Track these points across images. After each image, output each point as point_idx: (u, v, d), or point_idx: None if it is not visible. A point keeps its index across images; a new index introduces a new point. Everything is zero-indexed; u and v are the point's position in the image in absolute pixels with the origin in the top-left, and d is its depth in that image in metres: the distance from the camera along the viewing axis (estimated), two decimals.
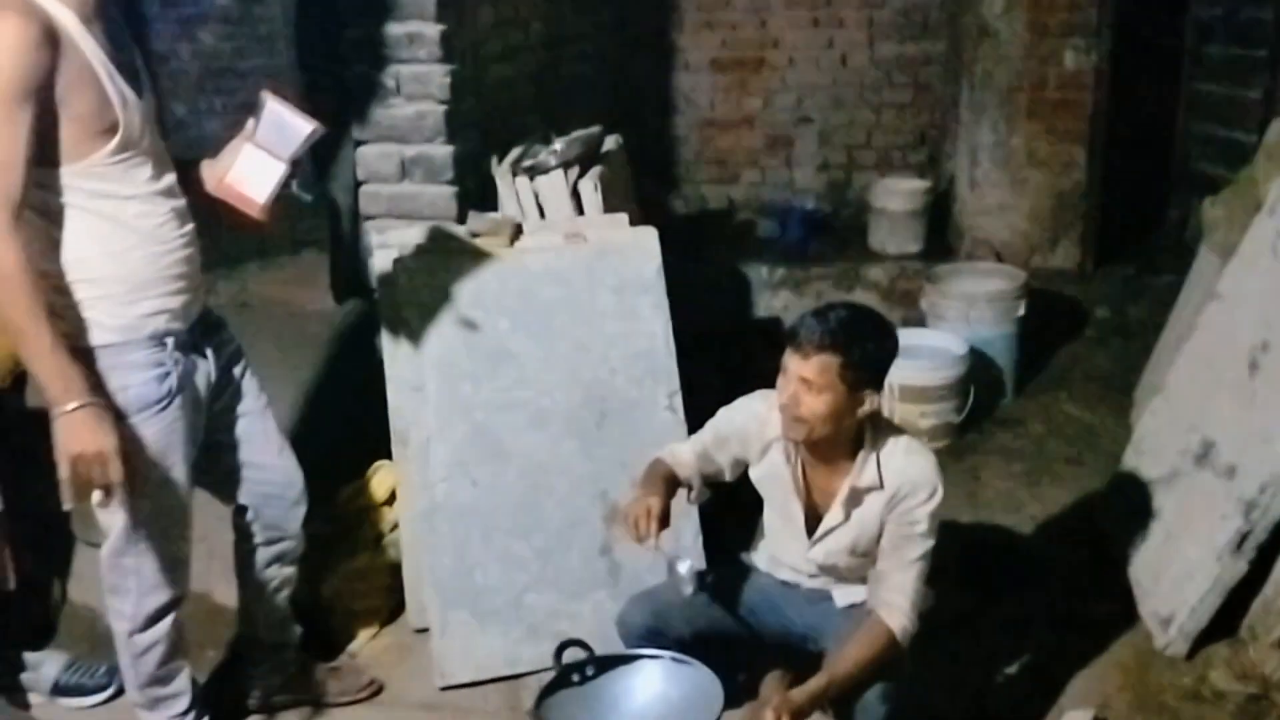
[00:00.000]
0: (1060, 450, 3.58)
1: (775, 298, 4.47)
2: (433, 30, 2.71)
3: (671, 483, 2.22)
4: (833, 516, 2.15)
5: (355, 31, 2.74)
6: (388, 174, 2.84)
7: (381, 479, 2.85)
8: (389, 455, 2.80)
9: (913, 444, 2.14)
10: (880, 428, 2.13)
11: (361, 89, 2.78)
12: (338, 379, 4.27)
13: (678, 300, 2.86)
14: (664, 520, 2.09)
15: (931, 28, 5.23)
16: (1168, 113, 4.95)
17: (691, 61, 5.47)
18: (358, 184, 2.88)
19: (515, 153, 3.12)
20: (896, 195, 4.73)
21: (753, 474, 2.26)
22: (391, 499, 2.83)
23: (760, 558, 2.36)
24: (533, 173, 2.94)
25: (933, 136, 5.32)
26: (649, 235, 2.85)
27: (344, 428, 3.80)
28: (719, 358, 3.78)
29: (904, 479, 2.08)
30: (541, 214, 2.96)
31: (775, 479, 2.21)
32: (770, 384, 2.16)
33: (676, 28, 5.37)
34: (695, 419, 2.71)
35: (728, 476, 2.30)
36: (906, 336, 3.71)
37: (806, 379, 2.01)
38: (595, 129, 3.41)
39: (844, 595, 2.24)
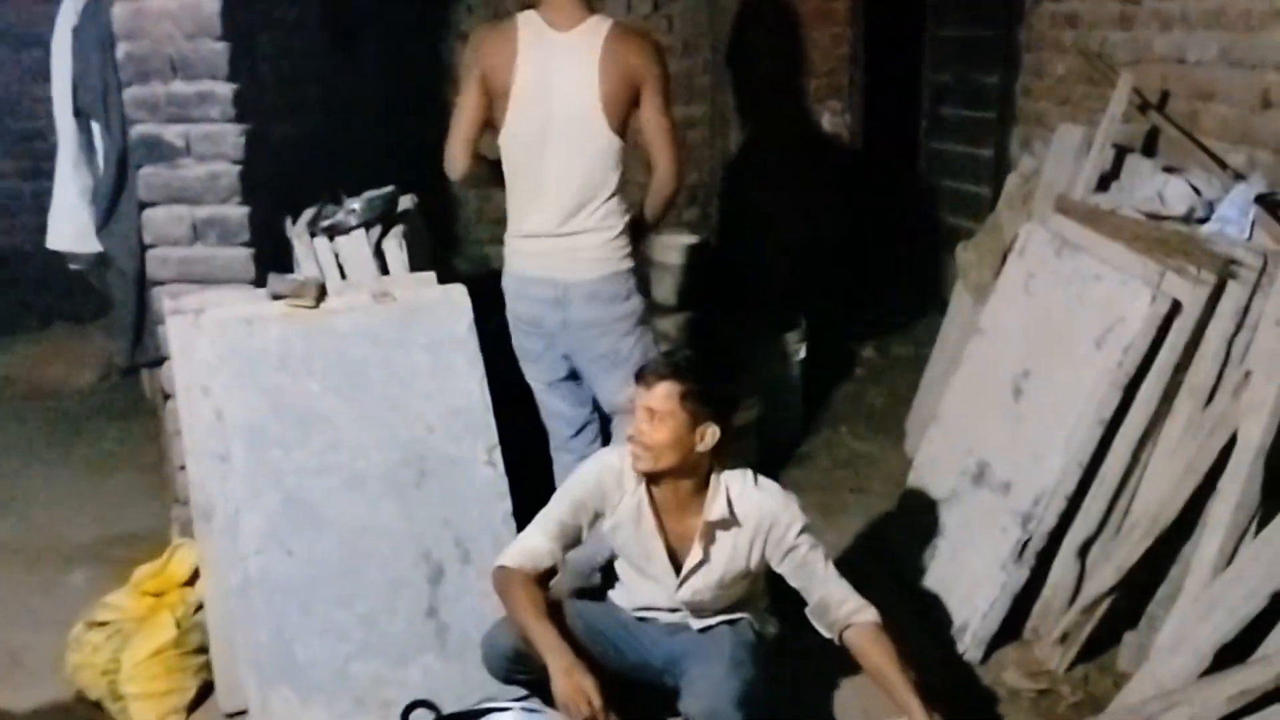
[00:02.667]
0: (847, 481, 3.82)
1: None
2: (225, 89, 2.63)
3: (553, 605, 2.26)
4: (693, 556, 2.26)
5: (139, 91, 2.61)
6: (178, 237, 2.71)
7: (182, 558, 2.68)
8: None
9: (757, 478, 2.28)
10: (725, 467, 2.26)
11: (146, 148, 2.65)
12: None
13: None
14: (605, 696, 2.07)
15: (697, 92, 5.51)
16: (911, 169, 5.42)
17: None
18: (144, 248, 2.72)
19: (309, 213, 3.04)
20: (674, 250, 4.93)
21: (607, 525, 2.32)
22: (194, 579, 2.67)
23: (618, 596, 2.41)
24: (332, 233, 2.89)
25: (702, 194, 5.59)
26: (459, 292, 2.84)
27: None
28: (518, 412, 3.80)
29: (761, 513, 2.22)
30: (343, 274, 2.90)
31: (634, 526, 2.28)
32: None
33: (449, 86, 5.40)
34: (509, 473, 2.75)
35: (585, 537, 2.36)
36: None
37: (650, 407, 2.15)
38: (390, 188, 3.38)
39: (700, 620, 2.33)
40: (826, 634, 2.31)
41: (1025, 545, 2.69)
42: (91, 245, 2.82)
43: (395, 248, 2.92)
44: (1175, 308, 2.53)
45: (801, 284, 4.86)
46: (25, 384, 4.75)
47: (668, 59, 2.70)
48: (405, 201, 3.35)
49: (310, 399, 2.63)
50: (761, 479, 2.29)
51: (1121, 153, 3.33)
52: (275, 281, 2.71)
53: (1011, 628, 2.77)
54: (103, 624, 2.63)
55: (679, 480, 2.22)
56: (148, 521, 3.45)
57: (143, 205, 2.69)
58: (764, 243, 4.90)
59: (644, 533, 2.29)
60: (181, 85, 2.62)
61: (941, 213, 5.19)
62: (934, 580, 2.98)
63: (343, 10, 4.29)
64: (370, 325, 2.73)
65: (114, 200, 2.73)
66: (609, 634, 2.35)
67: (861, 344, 4.85)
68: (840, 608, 2.27)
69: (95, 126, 2.75)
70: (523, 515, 2.69)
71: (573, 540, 2.33)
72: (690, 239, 5.03)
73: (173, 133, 2.65)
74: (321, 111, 4.08)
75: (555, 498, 2.34)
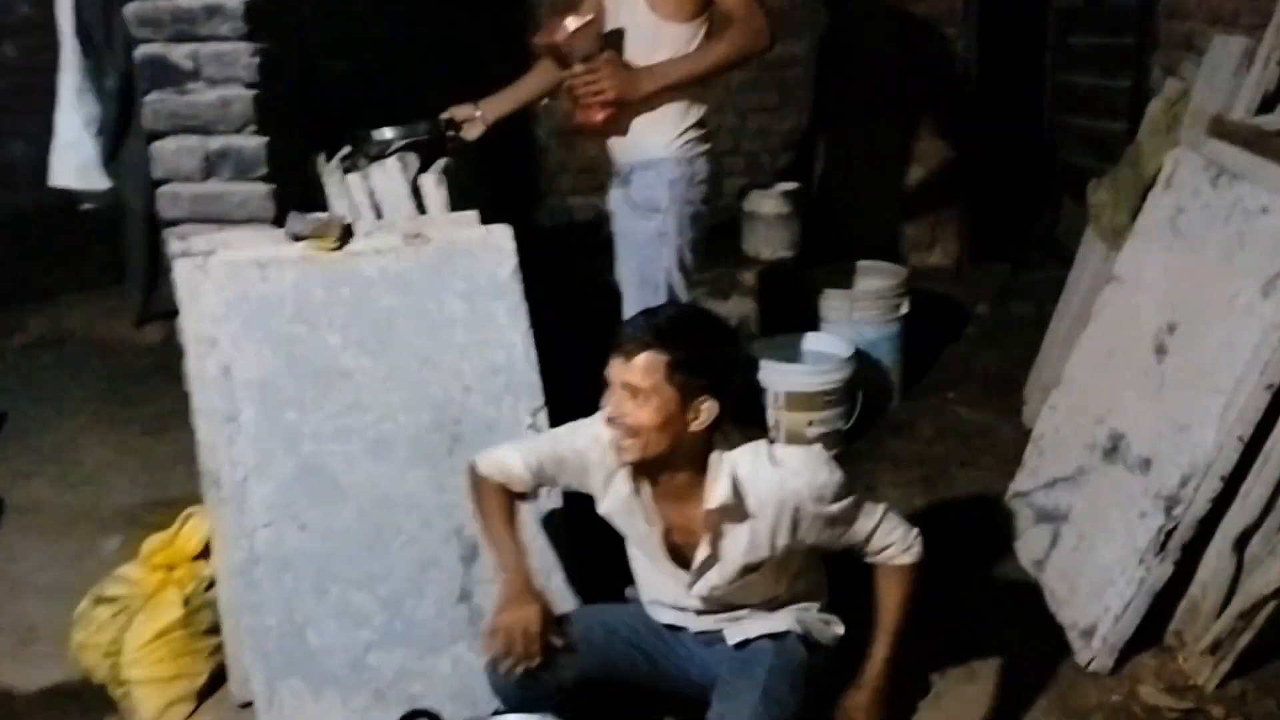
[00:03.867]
0: (954, 453, 3.37)
1: None
2: (236, 1, 2.33)
3: (519, 538, 2.03)
4: (701, 552, 1.88)
5: (142, 4, 2.33)
6: (189, 171, 2.43)
7: (192, 528, 2.41)
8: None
9: (771, 453, 1.85)
10: (729, 444, 1.85)
11: (152, 72, 2.37)
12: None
13: (547, 314, 2.56)
14: (545, 641, 1.88)
15: (794, 27, 5.05)
16: (1033, 106, 4.87)
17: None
18: (153, 184, 2.45)
19: (347, 149, 2.75)
20: (768, 199, 4.51)
21: (601, 509, 1.96)
22: (206, 551, 2.41)
23: (641, 597, 2.06)
24: (367, 160, 2.58)
25: (801, 138, 5.14)
26: (503, 233, 2.50)
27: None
28: (594, 373, 3.49)
29: (783, 494, 1.81)
30: (378, 215, 2.59)
31: (628, 514, 1.93)
32: None
33: (534, 31, 5.06)
34: None
35: (555, 489, 2.09)
36: (789, 340, 3.50)
37: (631, 384, 1.75)
38: (440, 118, 3.06)
39: (736, 632, 1.96)
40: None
41: (1170, 534, 2.23)
42: (98, 181, 2.56)
43: (434, 184, 2.59)
44: None
45: (907, 232, 4.40)
46: (90, 340, 4.60)
47: None
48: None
49: (330, 353, 2.33)
50: (779, 450, 1.86)
51: None
52: (295, 220, 2.41)
53: (1150, 632, 2.31)
54: (111, 599, 2.40)
55: (673, 466, 1.83)
56: (194, 486, 3.23)
57: (150, 136, 2.42)
58: (866, 187, 4.44)
59: (638, 526, 1.92)
60: None
61: (1068, 153, 4.64)
62: (1055, 573, 2.53)
63: None
64: (400, 270, 2.41)
65: (121, 131, 2.46)
66: (640, 640, 2.00)
67: (974, 300, 4.36)
68: (879, 554, 1.92)
69: (101, 48, 2.47)
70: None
71: (547, 483, 2.04)
72: (786, 186, 4.62)
73: (179, 53, 2.36)
74: (384, 47, 3.79)
75: (545, 437, 2.06)
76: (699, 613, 1.97)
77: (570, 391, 2.59)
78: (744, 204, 4.57)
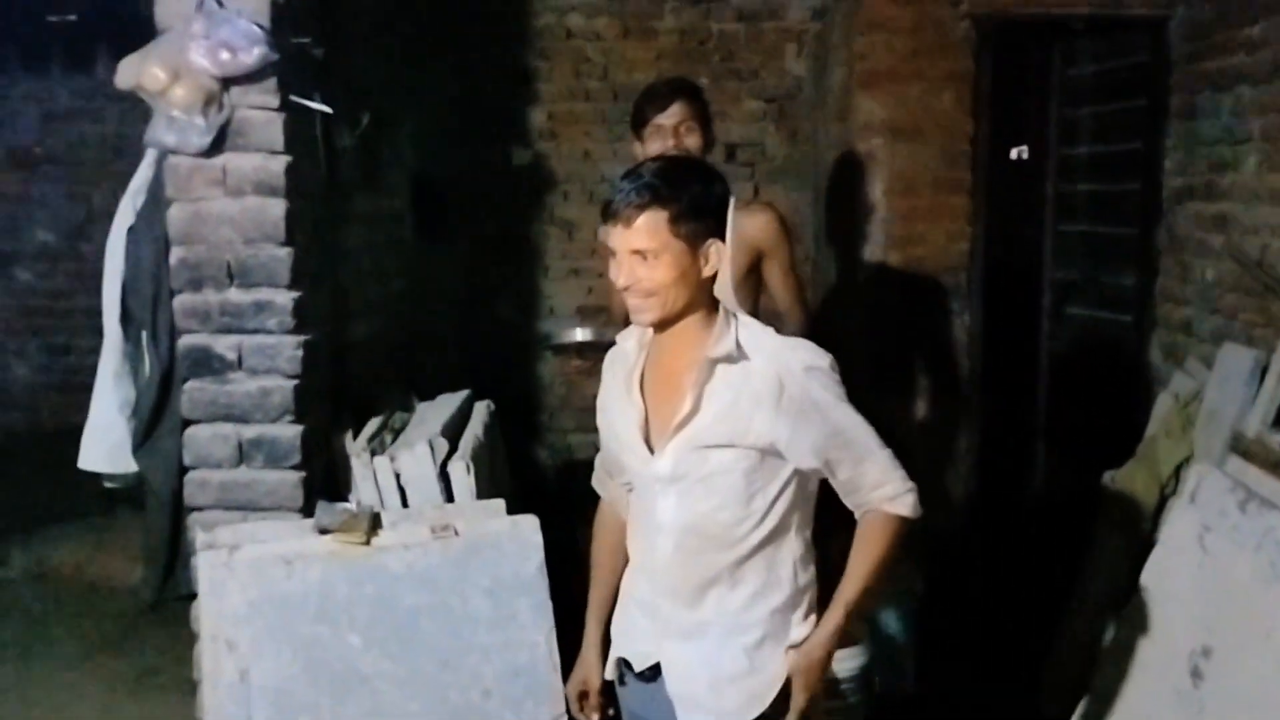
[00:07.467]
0: None
1: None
2: (285, 298, 2.38)
3: (603, 583, 2.02)
4: (685, 404, 1.77)
5: (190, 299, 2.37)
6: (222, 458, 2.42)
7: None
8: None
9: (775, 331, 1.83)
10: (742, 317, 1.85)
11: (194, 361, 2.39)
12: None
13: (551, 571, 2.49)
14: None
15: None
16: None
17: (556, 308, 5.30)
18: (183, 470, 2.43)
19: (373, 425, 2.76)
20: None
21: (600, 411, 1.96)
22: None
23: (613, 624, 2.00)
24: (393, 436, 2.59)
25: None
26: (529, 525, 2.48)
27: None
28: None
29: (776, 362, 1.75)
30: (404, 500, 2.57)
31: (624, 392, 1.87)
32: None
33: (542, 274, 5.21)
34: None
35: None
36: None
37: (638, 248, 1.72)
38: (463, 394, 3.10)
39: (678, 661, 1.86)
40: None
41: None
42: (126, 465, 2.54)
43: (462, 471, 2.59)
44: None
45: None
46: (77, 579, 4.46)
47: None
48: (480, 410, 3.06)
49: (351, 656, 2.26)
50: (787, 336, 1.84)
51: None
52: (324, 513, 2.39)
53: None
54: None
55: (687, 314, 1.78)
56: None
57: (185, 423, 2.42)
58: None
59: (625, 409, 1.86)
60: (237, 293, 2.38)
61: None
62: None
63: (433, 192, 4.12)
64: (426, 566, 2.37)
65: (155, 417, 2.46)
66: None
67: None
68: (874, 490, 1.79)
69: (143, 336, 2.50)
70: None
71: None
72: None
73: (224, 344, 2.39)
74: (402, 304, 3.84)
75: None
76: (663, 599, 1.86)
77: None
78: None
